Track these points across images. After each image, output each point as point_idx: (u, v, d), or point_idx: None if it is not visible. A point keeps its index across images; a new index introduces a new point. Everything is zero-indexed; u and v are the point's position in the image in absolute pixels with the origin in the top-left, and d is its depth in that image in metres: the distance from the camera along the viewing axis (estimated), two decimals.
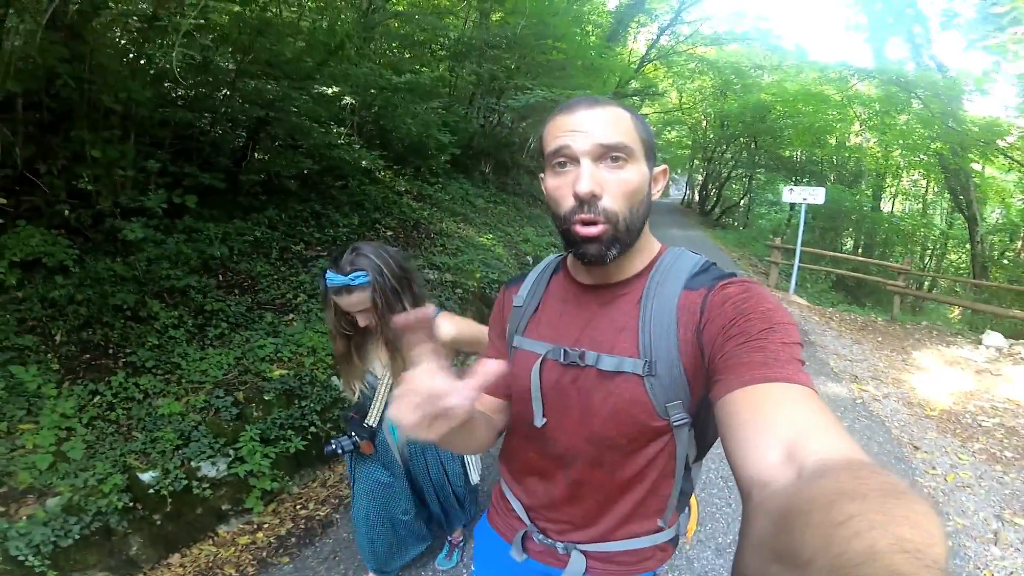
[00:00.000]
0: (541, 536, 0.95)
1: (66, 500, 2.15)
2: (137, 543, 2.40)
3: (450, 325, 1.47)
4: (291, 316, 3.45)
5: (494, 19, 7.92)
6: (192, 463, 2.52)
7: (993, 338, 5.87)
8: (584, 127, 0.72)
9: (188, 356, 2.90)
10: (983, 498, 3.04)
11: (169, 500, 2.44)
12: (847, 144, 15.39)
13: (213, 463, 2.57)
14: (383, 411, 1.73)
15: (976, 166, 12.13)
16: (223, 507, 2.66)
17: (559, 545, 0.93)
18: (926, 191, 16.49)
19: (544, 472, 0.90)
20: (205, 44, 3.62)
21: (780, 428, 0.51)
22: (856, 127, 14.78)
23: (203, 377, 2.81)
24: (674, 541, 0.95)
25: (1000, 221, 14.50)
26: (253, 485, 2.66)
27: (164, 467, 2.43)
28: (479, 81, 7.62)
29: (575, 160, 0.73)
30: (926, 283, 13.27)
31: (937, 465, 3.35)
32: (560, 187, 0.75)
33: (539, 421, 0.85)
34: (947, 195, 12.67)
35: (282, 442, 2.74)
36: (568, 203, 0.74)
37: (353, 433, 1.76)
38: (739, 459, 0.52)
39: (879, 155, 14.04)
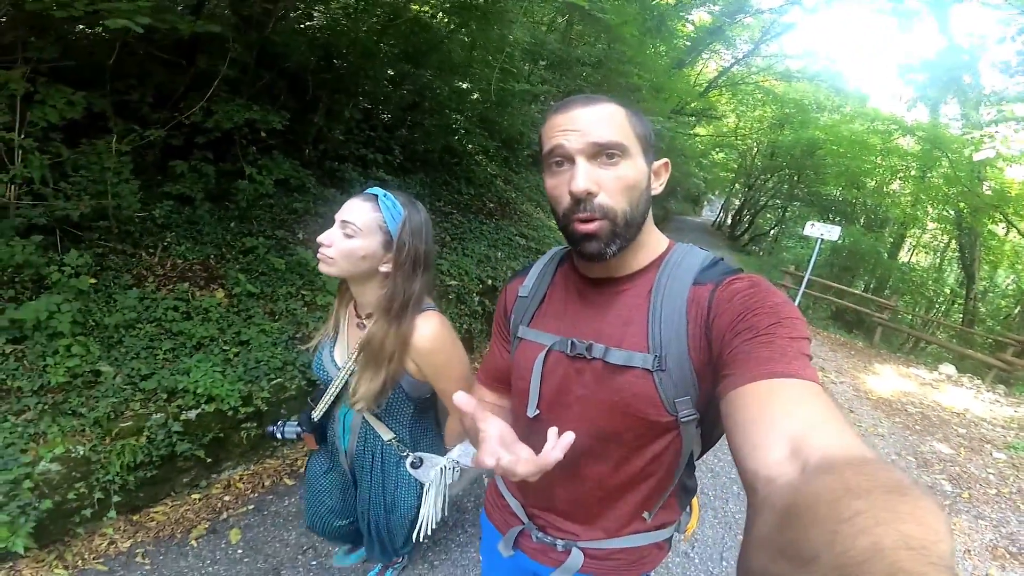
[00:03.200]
0: (540, 534, 0.95)
1: None
2: None
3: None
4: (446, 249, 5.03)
5: (576, 29, 9.20)
6: None
7: (947, 368, 7.23)
8: (578, 125, 0.73)
9: None
10: (889, 444, 4.50)
11: None
12: (884, 190, 16.20)
13: None
14: (330, 406, 1.46)
15: (1000, 229, 13.08)
16: None
17: (559, 543, 0.92)
18: (946, 247, 17.17)
19: None
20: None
21: (786, 424, 0.50)
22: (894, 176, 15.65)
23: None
24: (670, 540, 0.95)
25: (1010, 288, 15.16)
26: None
27: None
28: (567, 91, 9.10)
29: (570, 159, 0.74)
30: (929, 331, 14.27)
31: (862, 424, 4.82)
32: (558, 186, 0.76)
33: (531, 412, 0.85)
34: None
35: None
36: (566, 201, 0.75)
37: (299, 423, 1.52)
38: (744, 454, 0.52)
39: (907, 205, 14.86)
